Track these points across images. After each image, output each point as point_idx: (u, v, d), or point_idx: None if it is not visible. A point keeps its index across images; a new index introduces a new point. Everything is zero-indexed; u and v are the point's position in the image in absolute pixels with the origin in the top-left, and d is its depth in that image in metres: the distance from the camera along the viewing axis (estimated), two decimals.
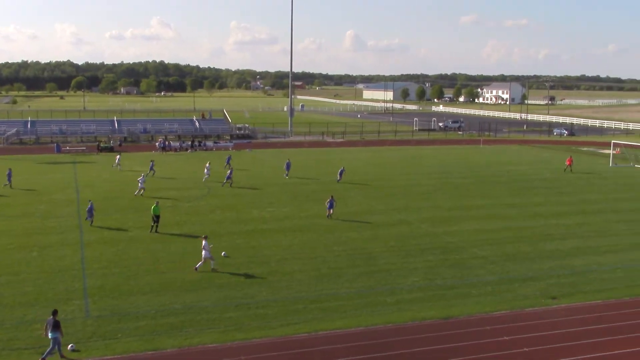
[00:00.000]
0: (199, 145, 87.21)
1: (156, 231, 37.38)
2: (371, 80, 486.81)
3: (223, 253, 32.62)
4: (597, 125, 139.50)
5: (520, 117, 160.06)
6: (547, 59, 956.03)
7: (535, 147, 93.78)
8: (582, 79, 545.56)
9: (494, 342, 22.21)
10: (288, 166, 60.14)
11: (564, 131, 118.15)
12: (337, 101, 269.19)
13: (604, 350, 21.54)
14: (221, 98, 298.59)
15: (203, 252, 30.18)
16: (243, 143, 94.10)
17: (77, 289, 27.45)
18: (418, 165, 70.33)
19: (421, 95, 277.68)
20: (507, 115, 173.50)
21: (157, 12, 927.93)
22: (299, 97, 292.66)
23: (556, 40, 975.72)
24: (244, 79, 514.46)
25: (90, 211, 39.08)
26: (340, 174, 57.52)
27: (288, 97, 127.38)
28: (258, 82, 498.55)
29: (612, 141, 78.96)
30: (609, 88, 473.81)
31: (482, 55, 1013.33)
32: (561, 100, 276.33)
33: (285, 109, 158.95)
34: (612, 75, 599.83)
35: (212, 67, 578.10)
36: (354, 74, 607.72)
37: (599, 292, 27.62)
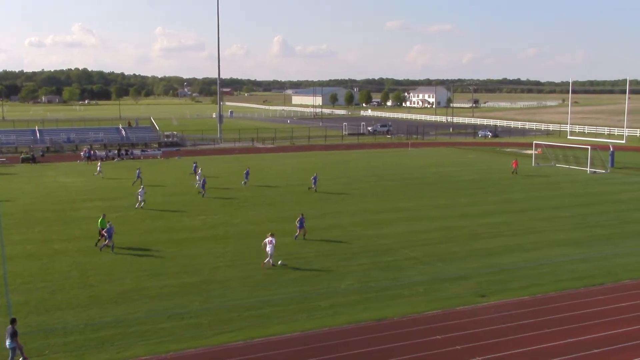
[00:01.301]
0: (126, 154, 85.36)
1: (101, 244, 35.90)
2: (300, 86, 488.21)
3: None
4: (519, 126, 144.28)
5: (447, 119, 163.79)
6: (470, 63, 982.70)
7: (461, 148, 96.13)
8: (504, 82, 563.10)
9: (427, 341, 22.57)
10: (247, 174, 58.97)
11: (488, 133, 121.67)
12: (267, 107, 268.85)
13: (532, 345, 22.20)
14: (148, 106, 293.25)
15: (268, 248, 31.36)
16: (172, 151, 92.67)
17: (0, 305, 26.35)
18: (348, 169, 70.93)
19: (350, 100, 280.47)
20: (433, 118, 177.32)
21: (78, 18, 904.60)
22: (227, 103, 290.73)
23: (479, 44, 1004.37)
24: (171, 86, 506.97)
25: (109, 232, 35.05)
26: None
27: (217, 104, 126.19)
28: (186, 89, 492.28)
29: (534, 142, 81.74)
30: (529, 91, 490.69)
31: (408, 60, 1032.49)
32: (485, 103, 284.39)
33: (214, 115, 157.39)
34: (532, 79, 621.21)
35: (137, 74, 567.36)
36: (283, 80, 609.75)
37: (526, 288, 28.48)
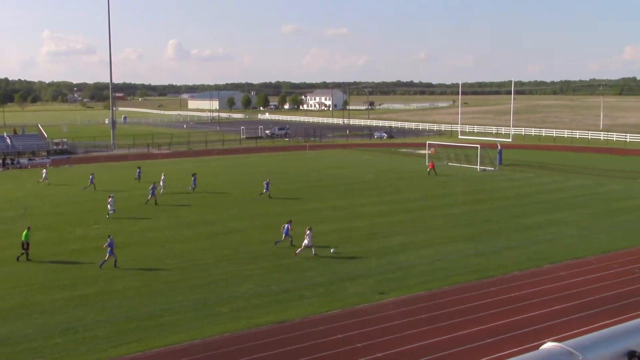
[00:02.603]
0: (12, 163, 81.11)
1: (27, 259, 33.76)
2: (196, 90, 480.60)
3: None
4: (413, 127, 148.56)
5: (343, 122, 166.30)
6: (365, 65, 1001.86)
7: (358, 150, 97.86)
8: (398, 84, 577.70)
9: (329, 341, 22.76)
10: (194, 181, 57.28)
11: (384, 134, 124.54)
12: (162, 112, 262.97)
13: (430, 338, 22.85)
14: (35, 112, 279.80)
15: (305, 240, 33.88)
16: (62, 159, 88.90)
17: None
18: (247, 173, 70.54)
19: (247, 104, 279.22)
20: (330, 120, 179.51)
21: None
22: (121, 108, 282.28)
23: (374, 48, 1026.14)
24: (60, 92, 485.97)
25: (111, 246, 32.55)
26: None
27: (109, 109, 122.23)
28: (76, 95, 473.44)
29: (427, 142, 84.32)
30: (422, 92, 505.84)
31: (304, 63, 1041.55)
32: (380, 105, 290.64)
33: (106, 121, 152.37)
34: (424, 81, 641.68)
35: (23, 79, 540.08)
36: (178, 84, 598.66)
37: (422, 284, 29.29)
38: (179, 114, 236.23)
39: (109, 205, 45.40)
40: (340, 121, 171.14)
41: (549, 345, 1.34)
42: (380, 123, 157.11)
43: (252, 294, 28.18)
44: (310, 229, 34.54)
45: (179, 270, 31.83)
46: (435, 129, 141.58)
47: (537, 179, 63.57)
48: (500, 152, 75.33)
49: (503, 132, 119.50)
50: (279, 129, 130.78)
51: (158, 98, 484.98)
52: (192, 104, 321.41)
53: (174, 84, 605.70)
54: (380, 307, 26.37)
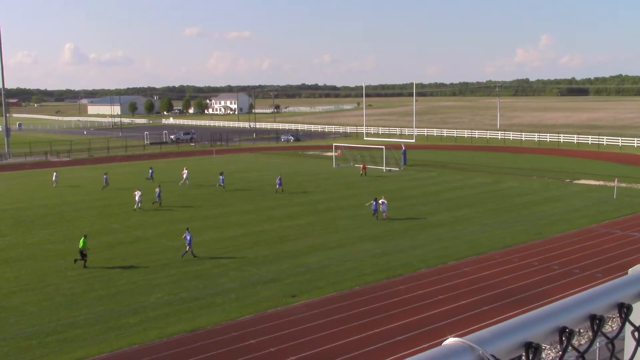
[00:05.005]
0: None
1: (84, 266, 33.18)
2: (96, 95, 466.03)
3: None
4: (319, 130, 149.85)
5: (249, 125, 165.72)
6: (270, 69, 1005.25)
7: (265, 153, 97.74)
8: (303, 87, 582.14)
9: (242, 346, 22.60)
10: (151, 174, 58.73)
11: (290, 137, 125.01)
12: (60, 118, 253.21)
13: (342, 339, 23.11)
14: None
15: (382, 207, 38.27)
16: None
17: None
18: (150, 180, 68.90)
19: (150, 109, 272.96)
20: (236, 124, 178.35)
21: None
22: (15, 115, 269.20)
23: (278, 51, 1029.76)
24: None
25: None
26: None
27: (2, 116, 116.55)
28: None
29: (334, 144, 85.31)
30: (327, 95, 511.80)
31: (208, 67, 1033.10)
32: (285, 108, 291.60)
33: (0, 128, 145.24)
34: (328, 84, 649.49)
35: None
36: (77, 89, 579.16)
37: (333, 285, 29.59)
38: (78, 120, 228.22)
39: (137, 197, 49.20)
40: (246, 125, 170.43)
41: (450, 340, 1.38)
42: (287, 126, 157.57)
43: (162, 303, 27.58)
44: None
45: (83, 282, 30.74)
46: (341, 131, 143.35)
47: (440, 177, 65.59)
48: (404, 153, 77.22)
49: (407, 133, 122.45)
50: (184, 134, 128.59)
51: (55, 104, 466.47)
52: (92, 109, 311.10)
53: (72, 89, 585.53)
54: (293, 310, 26.43)
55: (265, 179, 66.82)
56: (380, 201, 44.27)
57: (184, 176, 62.93)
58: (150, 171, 66.82)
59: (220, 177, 60.60)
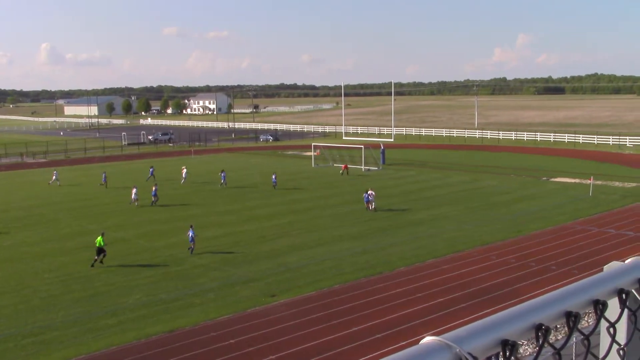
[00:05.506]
0: None
1: (101, 262, 33.21)
2: (73, 95, 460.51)
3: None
4: (298, 129, 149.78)
5: (228, 125, 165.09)
6: (249, 69, 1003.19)
7: (244, 153, 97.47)
8: (282, 87, 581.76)
9: (222, 346, 22.53)
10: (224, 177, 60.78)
11: (269, 137, 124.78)
12: (36, 119, 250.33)
13: (321, 337, 23.13)
14: None
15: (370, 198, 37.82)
16: None
17: None
18: (129, 180, 68.40)
19: (128, 109, 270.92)
20: (215, 124, 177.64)
21: None
22: None
23: (256, 51, 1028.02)
24: None
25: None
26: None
27: None
28: None
29: (313, 143, 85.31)
30: (306, 95, 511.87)
31: (187, 67, 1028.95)
32: (264, 108, 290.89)
33: None
34: (307, 83, 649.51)
35: None
36: (53, 89, 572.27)
37: (312, 284, 29.61)
38: (54, 121, 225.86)
39: (133, 195, 51.14)
40: (225, 125, 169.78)
41: (427, 339, 1.39)
42: (266, 126, 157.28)
43: (140, 304, 27.39)
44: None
45: (60, 284, 30.43)
46: (320, 130, 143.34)
47: (419, 176, 65.89)
48: (383, 152, 77.41)
49: (385, 132, 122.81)
50: (162, 134, 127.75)
51: (31, 104, 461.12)
52: (69, 110, 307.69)
53: (48, 90, 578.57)
54: (272, 309, 26.40)
55: (245, 179, 66.67)
56: (369, 192, 47.23)
57: (183, 174, 64.34)
58: (151, 170, 67.58)
59: (222, 174, 61.81)
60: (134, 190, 51.74)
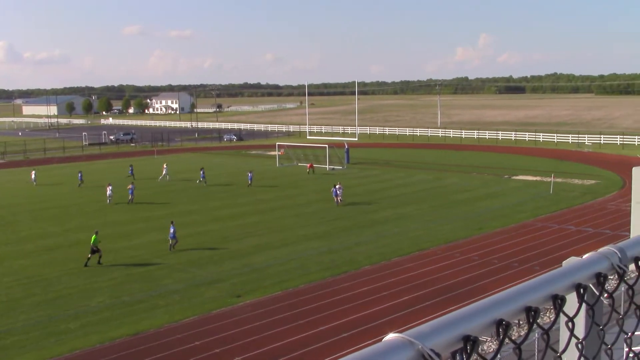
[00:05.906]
0: None
1: (98, 262, 32.74)
2: (31, 95, 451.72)
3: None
4: (262, 129, 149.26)
5: (191, 125, 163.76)
6: (212, 68, 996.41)
7: (208, 153, 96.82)
8: (245, 86, 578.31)
9: (187, 349, 22.35)
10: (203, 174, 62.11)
11: (233, 137, 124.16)
12: None
13: (288, 337, 23.11)
14: None
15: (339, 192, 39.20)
16: None
17: None
18: (89, 181, 67.38)
19: (88, 109, 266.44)
20: (178, 124, 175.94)
21: None
22: None
23: (219, 50, 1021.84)
24: None
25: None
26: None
27: None
28: None
29: (277, 143, 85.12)
30: (270, 94, 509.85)
31: (149, 66, 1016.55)
32: (228, 107, 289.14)
33: None
34: (271, 82, 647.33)
35: None
36: (11, 89, 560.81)
37: (278, 284, 29.56)
38: (12, 121, 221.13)
39: (108, 192, 51.54)
40: (188, 125, 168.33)
41: (390, 336, 1.40)
42: (229, 125, 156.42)
43: (103, 307, 27.02)
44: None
45: (20, 288, 29.83)
46: (284, 130, 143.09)
47: (383, 175, 66.26)
48: (347, 151, 77.61)
49: (349, 131, 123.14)
50: (124, 134, 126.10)
51: None
52: (27, 109, 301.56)
53: (6, 89, 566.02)
54: (237, 310, 26.29)
55: (210, 179, 66.14)
56: (337, 186, 49.43)
57: (164, 171, 65.53)
58: (130, 168, 67.76)
59: (201, 172, 62.81)
60: (109, 188, 52.05)
